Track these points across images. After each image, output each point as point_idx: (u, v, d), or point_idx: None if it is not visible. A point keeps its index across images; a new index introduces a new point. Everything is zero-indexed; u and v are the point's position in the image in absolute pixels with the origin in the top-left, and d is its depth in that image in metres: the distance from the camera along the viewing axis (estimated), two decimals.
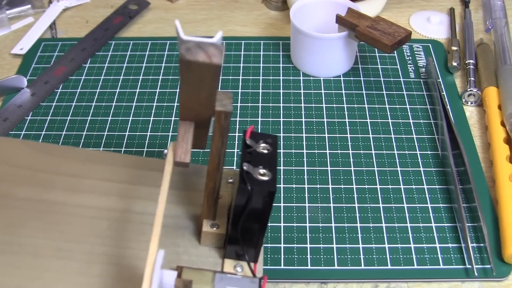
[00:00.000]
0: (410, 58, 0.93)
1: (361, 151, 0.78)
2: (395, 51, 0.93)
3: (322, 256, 0.66)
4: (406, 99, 0.85)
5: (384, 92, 0.86)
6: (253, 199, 0.50)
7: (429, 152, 0.77)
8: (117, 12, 1.05)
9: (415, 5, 1.06)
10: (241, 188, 0.49)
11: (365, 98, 0.86)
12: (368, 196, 0.73)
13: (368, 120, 0.82)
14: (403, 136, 0.80)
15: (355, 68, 0.91)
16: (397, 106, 0.84)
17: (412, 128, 0.81)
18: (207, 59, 0.44)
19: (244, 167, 0.49)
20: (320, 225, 0.68)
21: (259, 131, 0.62)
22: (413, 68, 0.91)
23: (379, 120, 0.82)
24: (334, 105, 0.84)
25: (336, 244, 0.68)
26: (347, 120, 0.82)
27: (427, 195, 0.73)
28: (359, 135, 0.80)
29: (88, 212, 0.60)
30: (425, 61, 0.92)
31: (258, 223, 0.52)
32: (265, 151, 0.52)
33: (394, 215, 0.70)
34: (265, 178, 0.50)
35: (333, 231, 0.69)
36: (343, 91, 0.87)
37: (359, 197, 0.73)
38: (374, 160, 0.77)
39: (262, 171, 0.50)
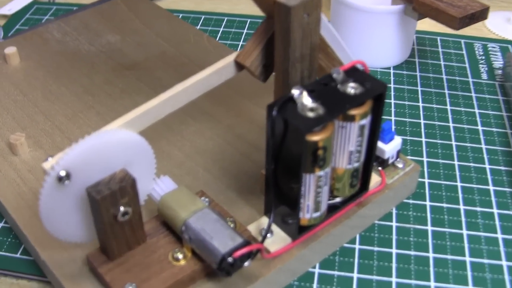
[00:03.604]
0: (483, 57, 0.72)
1: (409, 157, 0.56)
2: (463, 48, 0.73)
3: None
4: (474, 102, 0.65)
5: (446, 91, 0.66)
6: (275, 129, 0.39)
7: (502, 168, 0.57)
8: None
9: (493, 5, 0.85)
10: (269, 110, 0.38)
11: (420, 96, 0.65)
12: (412, 214, 0.52)
13: (422, 121, 0.61)
14: (468, 144, 0.59)
15: (411, 62, 0.70)
16: (462, 109, 0.63)
17: (481, 136, 0.60)
18: None
19: (292, 91, 0.38)
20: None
21: None
22: (486, 68, 0.70)
23: (436, 123, 0.61)
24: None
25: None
26: (393, 118, 0.61)
27: (496, 222, 0.51)
28: (408, 137, 0.58)
29: None
30: (502, 62, 0.70)
31: (292, 174, 0.40)
32: (350, 92, 0.40)
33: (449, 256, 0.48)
34: (308, 114, 0.37)
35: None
36: (392, 85, 0.66)
37: (399, 213, 0.51)
38: (425, 170, 0.55)
39: (313, 105, 0.38)
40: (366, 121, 0.41)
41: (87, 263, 0.44)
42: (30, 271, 0.47)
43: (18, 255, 0.48)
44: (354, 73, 0.41)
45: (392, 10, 0.65)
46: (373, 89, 0.40)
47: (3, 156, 0.54)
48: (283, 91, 0.42)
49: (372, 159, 0.45)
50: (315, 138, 0.38)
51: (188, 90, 0.42)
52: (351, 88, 0.40)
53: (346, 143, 0.42)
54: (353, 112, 0.40)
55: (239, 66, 0.44)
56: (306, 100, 0.38)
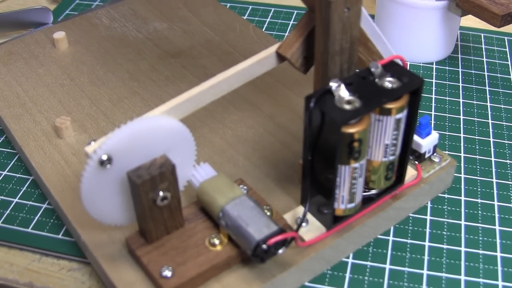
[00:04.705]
0: None
1: (446, 152, 0.57)
2: (507, 45, 0.73)
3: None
4: None
5: (487, 88, 0.66)
6: (312, 120, 0.40)
7: None
8: None
9: None
10: (307, 101, 0.39)
11: (460, 92, 0.65)
12: (447, 208, 0.53)
13: (461, 117, 0.61)
14: (506, 141, 0.59)
15: (453, 57, 0.71)
16: (502, 106, 0.64)
17: None
18: None
19: (330, 83, 0.39)
20: None
21: None
22: None
23: (475, 119, 0.61)
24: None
25: None
26: (433, 113, 0.61)
27: None
28: (446, 133, 0.58)
29: None
30: None
31: (327, 165, 0.41)
32: (388, 86, 0.41)
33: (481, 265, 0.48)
34: (345, 107, 0.38)
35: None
36: (434, 80, 0.66)
37: (434, 207, 0.52)
38: (462, 166, 0.56)
39: (350, 98, 0.39)
40: (402, 115, 0.42)
41: (126, 246, 0.45)
42: (70, 252, 0.49)
43: (60, 236, 0.50)
44: (392, 67, 0.42)
45: (436, 6, 0.65)
46: (410, 83, 0.41)
47: (48, 138, 0.56)
48: (322, 84, 0.43)
49: (407, 153, 0.45)
50: (351, 130, 0.39)
51: (229, 80, 0.43)
52: (388, 82, 0.41)
53: (382, 136, 0.42)
54: (390, 105, 0.41)
55: (280, 57, 0.45)
56: (344, 92, 0.39)
